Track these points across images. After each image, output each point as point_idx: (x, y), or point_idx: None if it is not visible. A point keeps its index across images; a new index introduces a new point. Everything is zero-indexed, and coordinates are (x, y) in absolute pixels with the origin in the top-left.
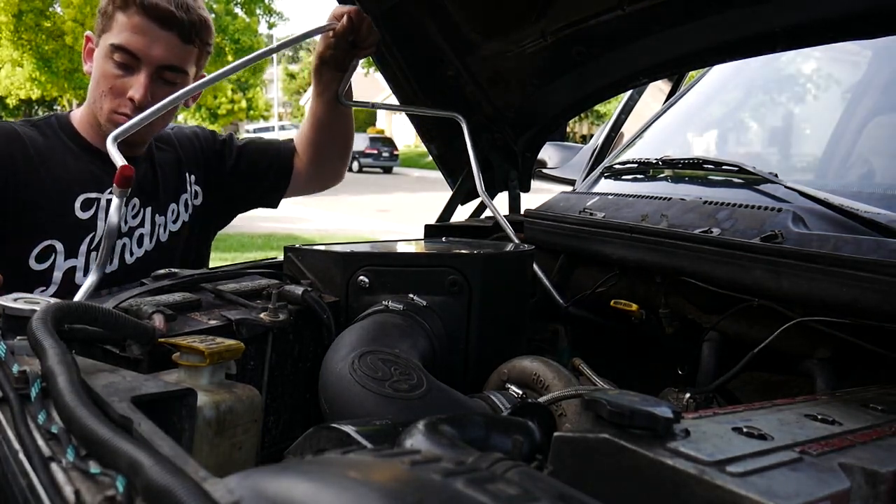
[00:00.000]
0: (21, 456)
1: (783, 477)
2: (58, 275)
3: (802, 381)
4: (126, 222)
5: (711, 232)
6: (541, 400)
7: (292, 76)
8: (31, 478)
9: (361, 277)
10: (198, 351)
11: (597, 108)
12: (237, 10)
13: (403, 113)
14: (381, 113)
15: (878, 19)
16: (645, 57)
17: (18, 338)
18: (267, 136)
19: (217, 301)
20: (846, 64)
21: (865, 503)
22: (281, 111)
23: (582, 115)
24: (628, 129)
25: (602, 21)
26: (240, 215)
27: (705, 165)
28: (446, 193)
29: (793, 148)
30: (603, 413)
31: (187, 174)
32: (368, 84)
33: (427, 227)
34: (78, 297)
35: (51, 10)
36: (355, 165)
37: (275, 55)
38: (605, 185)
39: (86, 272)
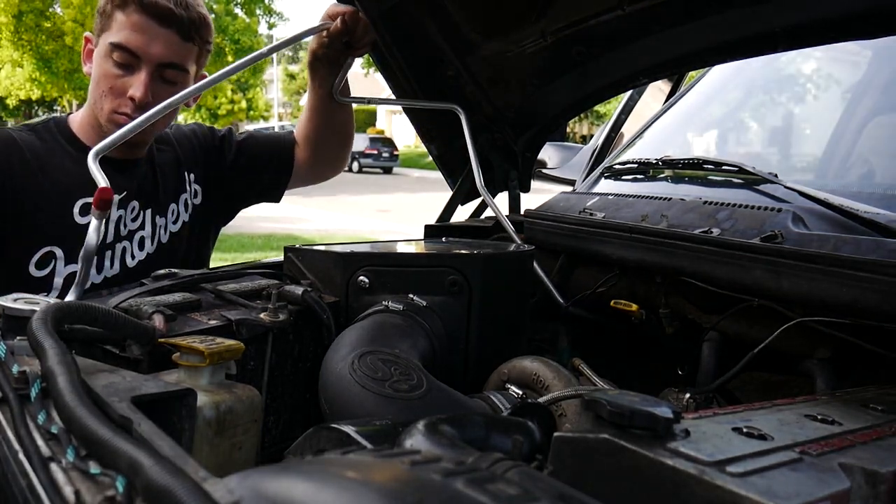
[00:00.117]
0: (21, 456)
1: (783, 477)
2: (58, 281)
3: (802, 381)
4: (126, 226)
5: (711, 232)
6: (541, 400)
7: (292, 76)
8: (31, 478)
9: (361, 277)
10: (198, 351)
11: (597, 108)
12: (237, 10)
13: (403, 112)
14: (381, 113)
15: (878, 19)
16: (645, 57)
17: (18, 338)
18: None
19: (217, 301)
20: (846, 64)
21: (865, 503)
22: (281, 111)
23: (582, 115)
24: (628, 129)
25: (602, 21)
26: (240, 216)
27: (705, 165)
28: (446, 194)
29: (793, 148)
30: (603, 413)
31: (186, 173)
32: (368, 84)
33: (427, 227)
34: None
35: (51, 10)
36: (355, 166)
37: (274, 55)
38: (605, 186)
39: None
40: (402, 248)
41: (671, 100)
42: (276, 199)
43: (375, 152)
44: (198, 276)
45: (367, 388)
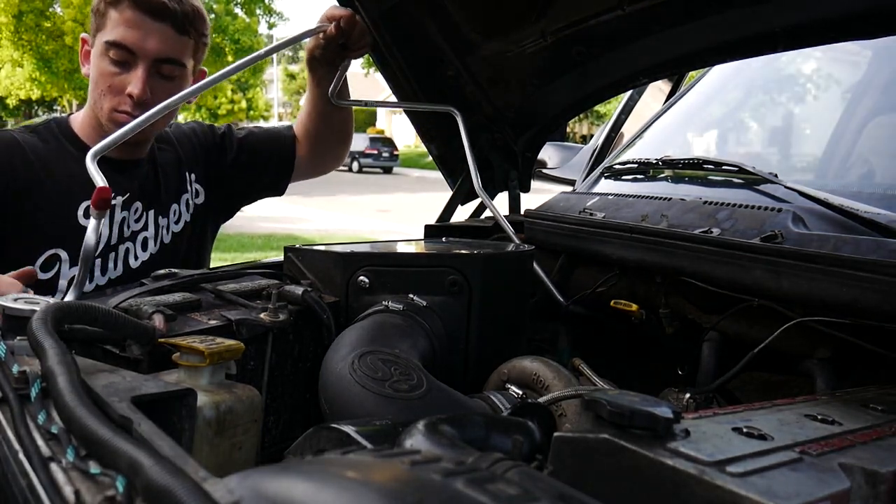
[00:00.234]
0: (21, 456)
1: (783, 477)
2: (63, 283)
3: (802, 381)
4: (129, 227)
5: (711, 232)
6: (541, 400)
7: (292, 76)
8: (31, 478)
9: (361, 277)
10: (198, 351)
11: (597, 108)
12: (237, 10)
13: (402, 112)
14: (381, 113)
15: (878, 19)
16: (645, 57)
17: (18, 338)
18: None
19: (217, 301)
20: (846, 64)
21: (865, 503)
22: (281, 111)
23: (582, 115)
24: (628, 129)
25: (602, 21)
26: (239, 215)
27: (705, 165)
28: (446, 193)
29: (793, 148)
30: (603, 413)
31: (187, 173)
32: (368, 84)
33: (427, 227)
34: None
35: (51, 10)
36: (355, 165)
37: (274, 55)
38: (605, 186)
39: (91, 279)
40: (402, 248)
41: (671, 100)
42: (279, 193)
43: (375, 152)
44: (198, 276)
45: (367, 388)
